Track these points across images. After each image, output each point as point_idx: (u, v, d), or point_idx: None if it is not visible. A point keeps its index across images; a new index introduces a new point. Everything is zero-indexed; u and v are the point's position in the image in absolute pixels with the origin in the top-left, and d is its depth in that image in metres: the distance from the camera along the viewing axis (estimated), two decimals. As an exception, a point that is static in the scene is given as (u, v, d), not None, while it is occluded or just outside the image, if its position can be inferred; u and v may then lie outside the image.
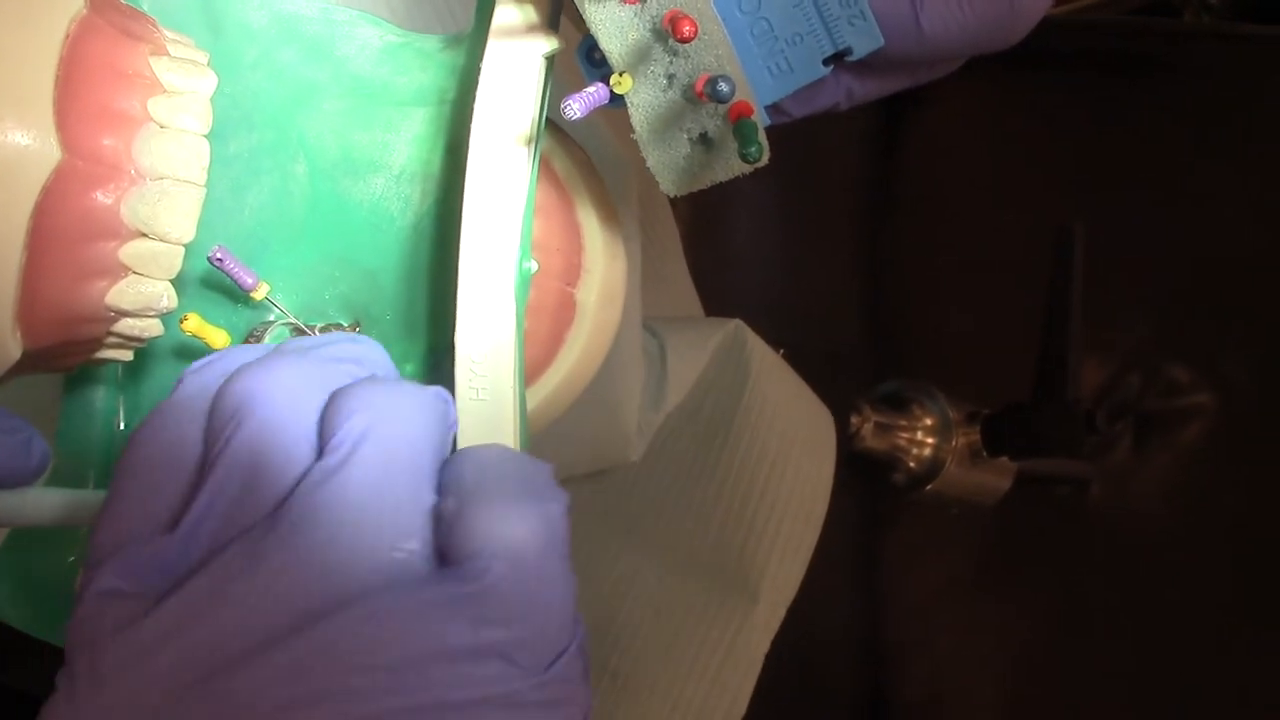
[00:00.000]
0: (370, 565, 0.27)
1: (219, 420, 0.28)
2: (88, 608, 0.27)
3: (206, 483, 0.28)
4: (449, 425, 0.30)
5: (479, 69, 0.35)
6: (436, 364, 0.37)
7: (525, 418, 0.35)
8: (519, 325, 0.33)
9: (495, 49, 0.35)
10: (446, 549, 0.28)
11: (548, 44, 0.35)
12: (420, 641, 0.26)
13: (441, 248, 0.37)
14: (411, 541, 0.28)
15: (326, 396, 0.29)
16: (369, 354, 0.32)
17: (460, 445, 0.33)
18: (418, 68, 0.39)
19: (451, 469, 0.29)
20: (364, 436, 0.28)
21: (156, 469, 0.29)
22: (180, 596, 0.27)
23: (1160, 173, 0.87)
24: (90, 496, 0.33)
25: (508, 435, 0.33)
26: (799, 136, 0.84)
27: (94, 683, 0.26)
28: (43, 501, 0.33)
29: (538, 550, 0.27)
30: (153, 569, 0.27)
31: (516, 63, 0.35)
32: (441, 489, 0.29)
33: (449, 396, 0.31)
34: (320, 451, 0.28)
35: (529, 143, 0.34)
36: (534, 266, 0.34)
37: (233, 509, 0.28)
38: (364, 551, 0.27)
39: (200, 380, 0.30)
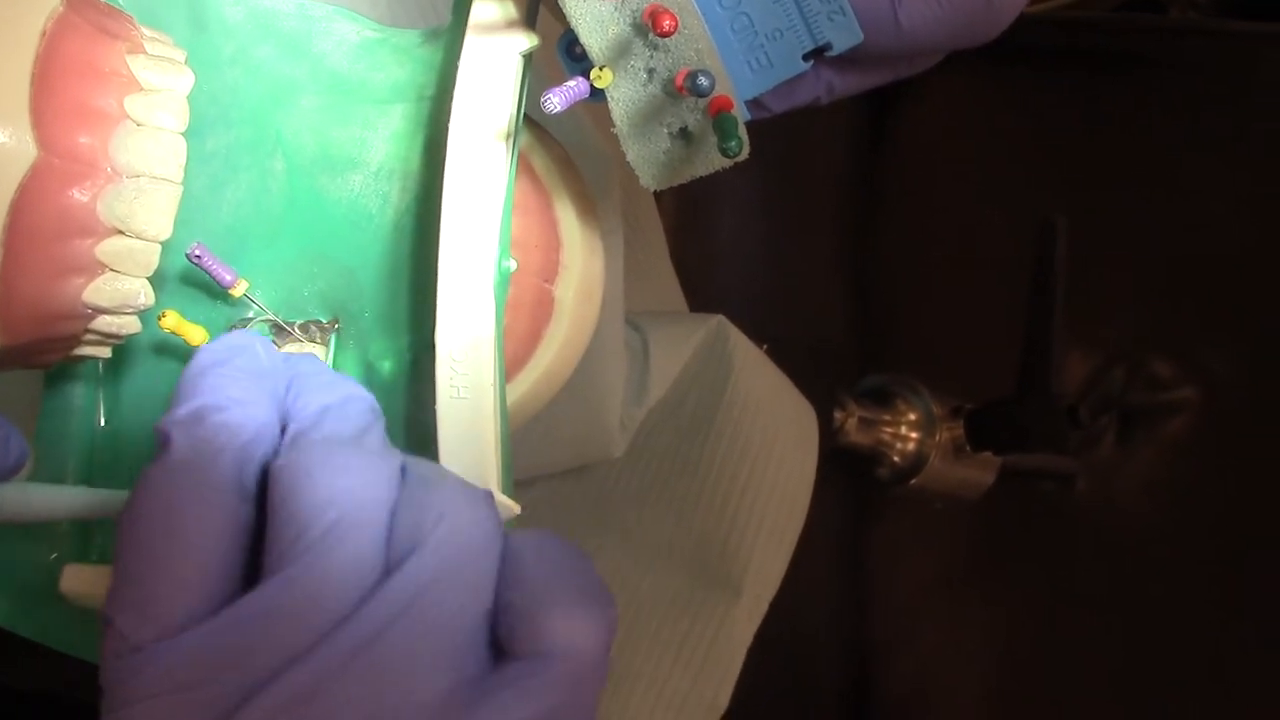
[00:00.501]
0: (439, 661, 0.28)
1: (292, 515, 0.28)
2: (136, 706, 0.27)
3: (278, 576, 0.27)
4: (502, 524, 0.31)
5: (457, 65, 0.35)
6: (415, 361, 0.37)
7: (506, 415, 0.35)
8: (499, 323, 0.34)
9: (473, 45, 0.35)
10: (510, 642, 0.28)
11: (526, 40, 0.35)
12: None
13: (421, 245, 0.37)
14: (476, 636, 0.28)
15: (395, 496, 0.29)
16: (371, 401, 0.33)
17: (440, 442, 0.34)
18: (395, 64, 0.39)
19: (514, 561, 0.30)
20: (447, 537, 0.28)
21: (186, 544, 0.28)
22: (263, 703, 0.26)
23: (1146, 168, 0.87)
24: (70, 492, 0.33)
25: (488, 433, 0.34)
26: (784, 131, 0.84)
27: None
28: (22, 498, 0.33)
29: (594, 653, 0.28)
30: (194, 660, 0.27)
31: (494, 59, 0.35)
32: (505, 581, 0.29)
33: (490, 491, 0.31)
34: (389, 559, 0.28)
35: (507, 139, 0.34)
36: (513, 265, 0.34)
37: (305, 609, 0.27)
38: (435, 651, 0.28)
39: (195, 439, 0.29)
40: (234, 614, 0.27)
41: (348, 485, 0.28)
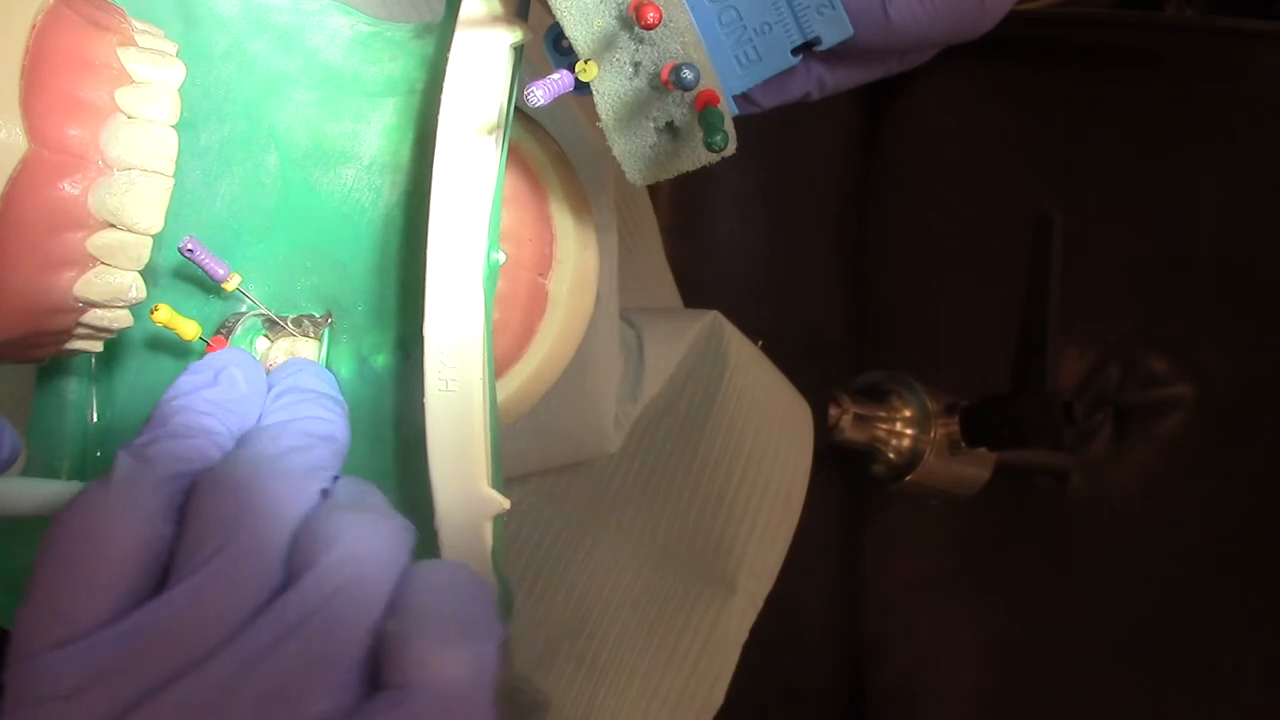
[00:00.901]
0: (321, 684, 0.27)
1: (195, 535, 0.28)
2: (27, 710, 0.27)
3: (173, 589, 0.28)
4: (409, 554, 0.30)
5: (447, 59, 0.35)
6: (407, 355, 0.37)
7: (495, 408, 0.35)
8: (488, 317, 0.33)
9: (463, 39, 0.35)
10: (383, 669, 0.28)
11: (516, 34, 0.35)
12: None
13: (411, 238, 0.37)
14: (357, 665, 0.28)
15: (301, 518, 0.29)
16: (337, 426, 0.34)
17: (429, 435, 0.34)
18: (388, 57, 0.39)
19: (403, 586, 0.29)
20: (328, 574, 0.28)
21: (99, 560, 0.28)
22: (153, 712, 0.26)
23: (1140, 164, 0.87)
24: (64, 487, 0.33)
25: (477, 425, 0.33)
26: (780, 128, 0.85)
27: None
28: (14, 492, 0.33)
29: (465, 688, 0.28)
30: (85, 668, 0.27)
31: (484, 53, 0.35)
32: (390, 606, 0.29)
33: (413, 528, 0.31)
34: (287, 577, 0.29)
35: (497, 133, 0.34)
36: (502, 258, 0.34)
37: (199, 620, 0.27)
38: (317, 674, 0.27)
39: (140, 462, 0.30)
40: (126, 625, 0.27)
41: (253, 504, 0.29)
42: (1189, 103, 0.86)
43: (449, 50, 0.34)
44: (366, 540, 0.29)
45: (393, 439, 0.38)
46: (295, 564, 0.29)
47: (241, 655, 0.27)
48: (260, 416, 0.33)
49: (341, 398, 0.36)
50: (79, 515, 0.28)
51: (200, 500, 0.29)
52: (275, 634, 0.27)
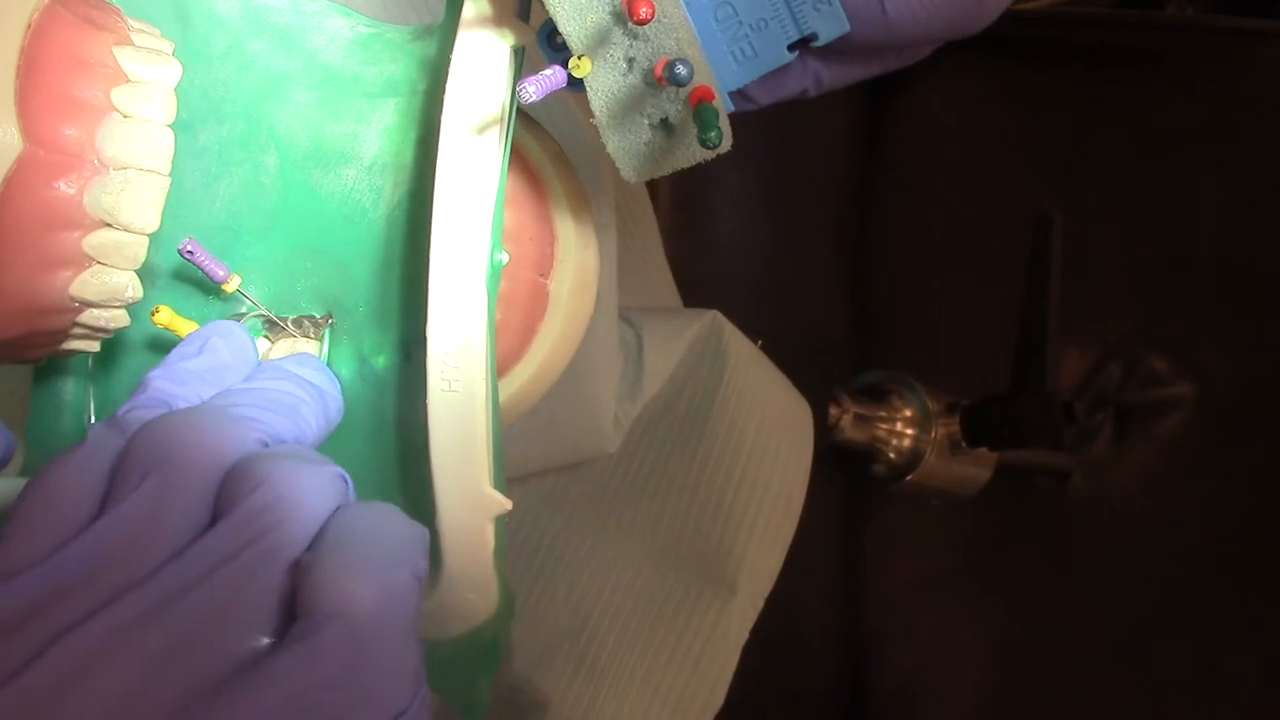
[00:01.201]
0: (246, 624, 0.28)
1: (126, 467, 0.29)
2: None
3: (94, 525, 0.28)
4: (339, 500, 0.30)
5: (449, 60, 0.34)
6: (408, 356, 0.37)
7: (497, 408, 0.35)
8: (491, 317, 0.33)
9: (465, 40, 0.34)
10: (296, 603, 0.28)
11: (517, 35, 0.35)
12: (257, 695, 0.26)
13: (413, 239, 0.37)
14: (279, 602, 0.28)
15: (233, 460, 0.30)
16: (306, 406, 0.34)
17: (431, 435, 0.33)
18: (388, 59, 0.39)
19: (327, 526, 0.29)
20: (258, 513, 0.28)
21: (50, 506, 0.29)
22: (42, 664, 0.26)
23: (1141, 164, 0.87)
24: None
25: (479, 425, 0.33)
26: (779, 127, 0.84)
27: None
28: (8, 490, 0.33)
29: (373, 614, 0.27)
30: (20, 600, 0.27)
31: (486, 54, 0.34)
32: (312, 543, 0.29)
33: (348, 477, 0.31)
34: (213, 518, 0.29)
35: (499, 134, 0.34)
36: (505, 258, 0.34)
37: (110, 557, 0.28)
38: (242, 613, 0.28)
39: (112, 428, 0.30)
40: (54, 561, 0.27)
41: (184, 439, 0.29)
42: (1190, 102, 0.86)
43: (450, 52, 0.34)
44: (294, 483, 0.29)
45: (394, 440, 0.37)
46: (222, 502, 0.29)
47: (158, 591, 0.27)
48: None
49: (333, 390, 0.36)
50: (43, 473, 0.29)
51: (136, 437, 0.29)
52: (195, 571, 0.27)
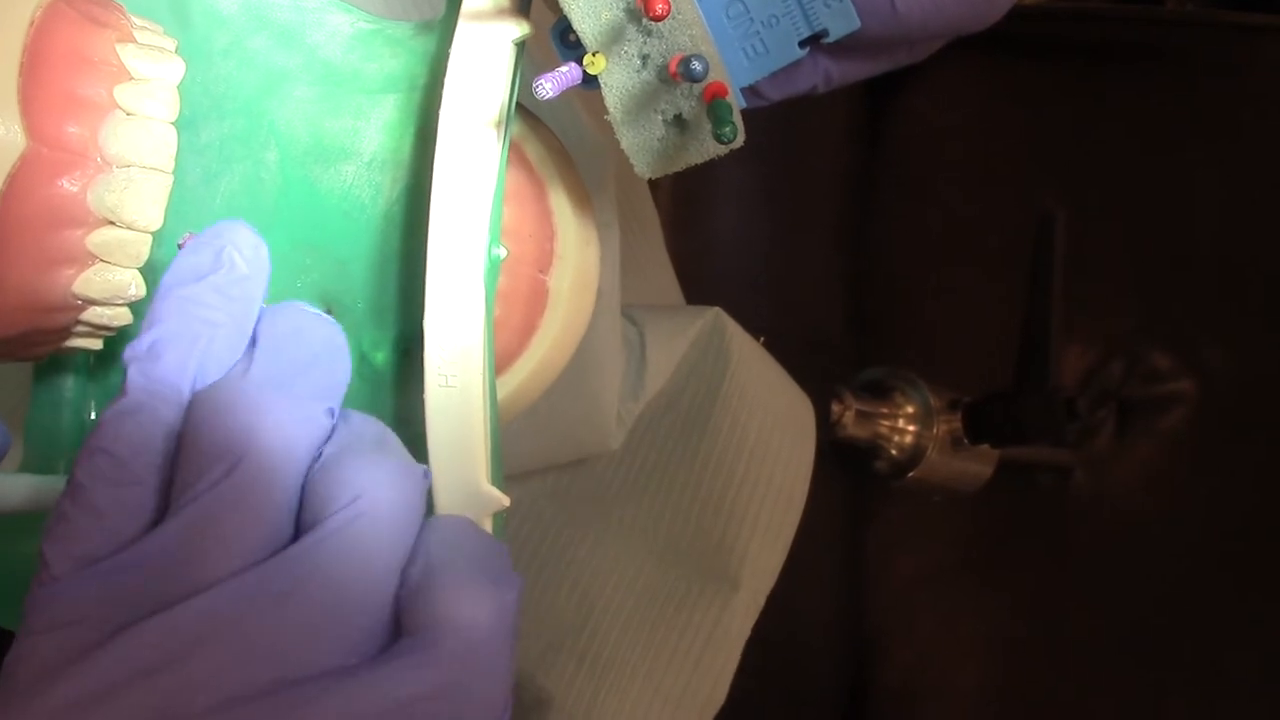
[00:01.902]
0: (339, 637, 0.27)
1: (201, 453, 0.28)
2: (35, 637, 0.27)
3: (178, 516, 0.27)
4: (426, 504, 0.30)
5: (448, 54, 0.34)
6: (406, 351, 0.37)
7: (495, 404, 0.35)
8: (488, 312, 0.33)
9: (465, 34, 0.34)
10: (405, 617, 0.28)
11: (518, 29, 0.35)
12: (369, 706, 0.27)
13: (412, 235, 0.37)
14: (380, 616, 0.28)
15: (316, 450, 0.29)
16: (335, 333, 0.32)
17: (429, 431, 0.33)
18: (389, 54, 0.39)
19: (422, 538, 0.29)
20: (356, 517, 0.28)
21: (117, 483, 0.28)
22: (142, 639, 0.26)
23: (1143, 160, 0.87)
24: (59, 483, 0.33)
25: (477, 421, 0.33)
26: (782, 124, 0.84)
27: None
28: (9, 487, 0.33)
29: (490, 632, 0.28)
30: (107, 596, 0.27)
31: (486, 48, 0.34)
32: (411, 558, 0.29)
33: (429, 471, 0.31)
34: (300, 517, 0.28)
35: (498, 128, 0.34)
36: (503, 252, 0.34)
37: (202, 553, 0.27)
38: (336, 627, 0.27)
39: (150, 378, 0.29)
40: (129, 555, 0.27)
41: (258, 427, 0.28)
42: (1192, 98, 0.86)
43: (450, 45, 0.34)
44: (387, 491, 0.28)
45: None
46: (310, 506, 0.28)
47: (243, 597, 0.27)
48: (263, 318, 0.31)
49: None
50: (96, 441, 0.28)
51: (199, 418, 0.28)
52: (284, 582, 0.27)
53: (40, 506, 0.33)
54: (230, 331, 0.30)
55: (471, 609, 0.28)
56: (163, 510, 0.28)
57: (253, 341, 0.30)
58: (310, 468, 0.29)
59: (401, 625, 0.28)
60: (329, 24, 0.39)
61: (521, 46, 0.36)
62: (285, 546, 0.28)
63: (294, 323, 0.31)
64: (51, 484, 0.33)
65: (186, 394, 0.29)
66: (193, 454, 0.28)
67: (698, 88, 0.35)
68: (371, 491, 0.28)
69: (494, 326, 0.39)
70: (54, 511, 0.28)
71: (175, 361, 0.29)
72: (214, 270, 0.30)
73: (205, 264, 0.30)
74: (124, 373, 0.29)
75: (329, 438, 0.30)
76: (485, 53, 0.34)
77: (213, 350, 0.29)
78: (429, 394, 0.33)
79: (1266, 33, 0.83)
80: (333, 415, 0.30)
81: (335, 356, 0.31)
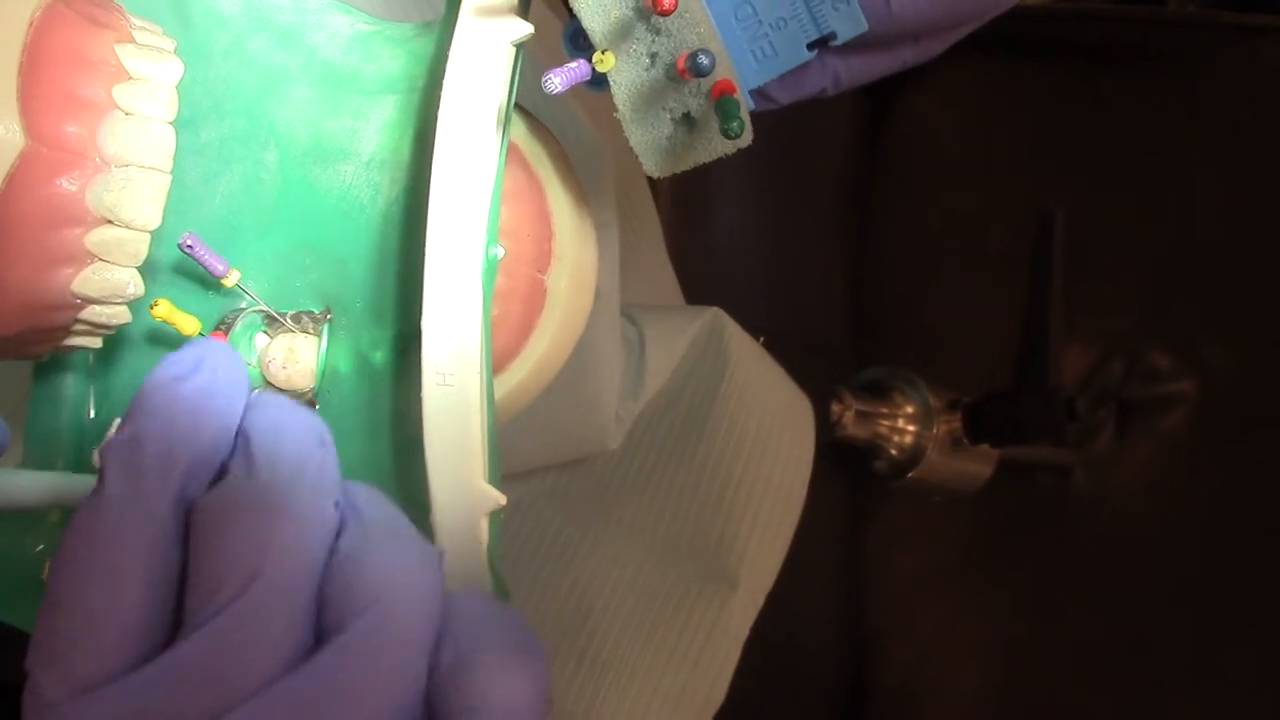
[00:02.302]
0: None
1: (217, 563, 0.27)
2: None
3: (204, 631, 0.26)
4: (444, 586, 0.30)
5: (447, 54, 0.35)
6: (405, 350, 0.37)
7: (493, 404, 0.35)
8: (486, 311, 0.33)
9: (464, 34, 0.35)
10: (442, 703, 0.28)
11: (518, 30, 0.35)
12: None
13: (410, 235, 0.37)
14: (413, 712, 0.28)
15: (331, 547, 0.28)
16: (329, 445, 0.31)
17: (426, 431, 0.34)
18: (388, 55, 0.39)
19: (445, 623, 0.29)
20: (380, 621, 0.27)
21: (102, 596, 0.27)
22: None
23: (1143, 160, 0.87)
24: (59, 479, 0.33)
25: (474, 420, 0.33)
26: (782, 125, 0.85)
27: None
28: (29, 484, 0.33)
29: (530, 703, 0.28)
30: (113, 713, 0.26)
31: (486, 48, 0.35)
32: (439, 641, 0.28)
33: (444, 552, 0.30)
34: (321, 617, 0.28)
35: (497, 128, 0.34)
36: (501, 252, 0.34)
37: (230, 668, 0.26)
38: None
39: (130, 471, 0.28)
40: (145, 676, 0.26)
41: (273, 532, 0.27)
42: (1192, 98, 0.86)
43: (450, 45, 0.34)
44: (406, 590, 0.28)
45: (390, 434, 0.38)
46: (331, 606, 0.27)
47: (271, 712, 0.26)
48: (248, 418, 0.30)
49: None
50: (80, 541, 0.27)
51: (211, 525, 0.27)
52: (311, 692, 0.26)
53: (59, 503, 0.33)
54: (215, 431, 0.29)
55: (509, 687, 0.28)
56: (159, 621, 0.27)
57: (246, 441, 0.29)
58: (327, 565, 0.28)
59: (438, 712, 0.28)
60: (329, 25, 0.39)
61: (521, 47, 0.36)
62: (309, 653, 0.27)
63: (277, 418, 0.30)
64: (69, 481, 0.34)
65: (173, 492, 0.28)
66: (207, 564, 0.27)
67: (706, 85, 0.35)
68: (391, 591, 0.27)
69: (492, 325, 0.39)
70: (39, 627, 0.27)
71: (158, 457, 0.28)
72: (195, 372, 0.30)
73: (188, 366, 0.30)
74: (100, 467, 0.28)
75: (340, 530, 0.29)
76: (485, 53, 0.34)
77: (198, 447, 0.29)
78: (426, 393, 0.33)
79: (1267, 33, 0.83)
80: (339, 507, 0.29)
81: (326, 444, 0.30)
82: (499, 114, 0.34)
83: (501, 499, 0.34)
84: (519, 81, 0.36)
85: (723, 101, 0.34)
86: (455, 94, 0.34)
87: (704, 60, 0.33)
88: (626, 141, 0.37)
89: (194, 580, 0.27)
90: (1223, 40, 0.86)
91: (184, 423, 0.29)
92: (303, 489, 0.28)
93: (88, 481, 0.34)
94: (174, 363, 0.30)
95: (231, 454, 0.30)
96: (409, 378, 0.37)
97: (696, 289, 0.76)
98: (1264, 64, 0.84)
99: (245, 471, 0.29)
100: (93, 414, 0.39)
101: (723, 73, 0.35)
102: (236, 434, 0.30)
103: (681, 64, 0.34)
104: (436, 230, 0.33)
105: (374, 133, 0.38)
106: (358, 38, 0.39)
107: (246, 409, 0.30)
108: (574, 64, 0.34)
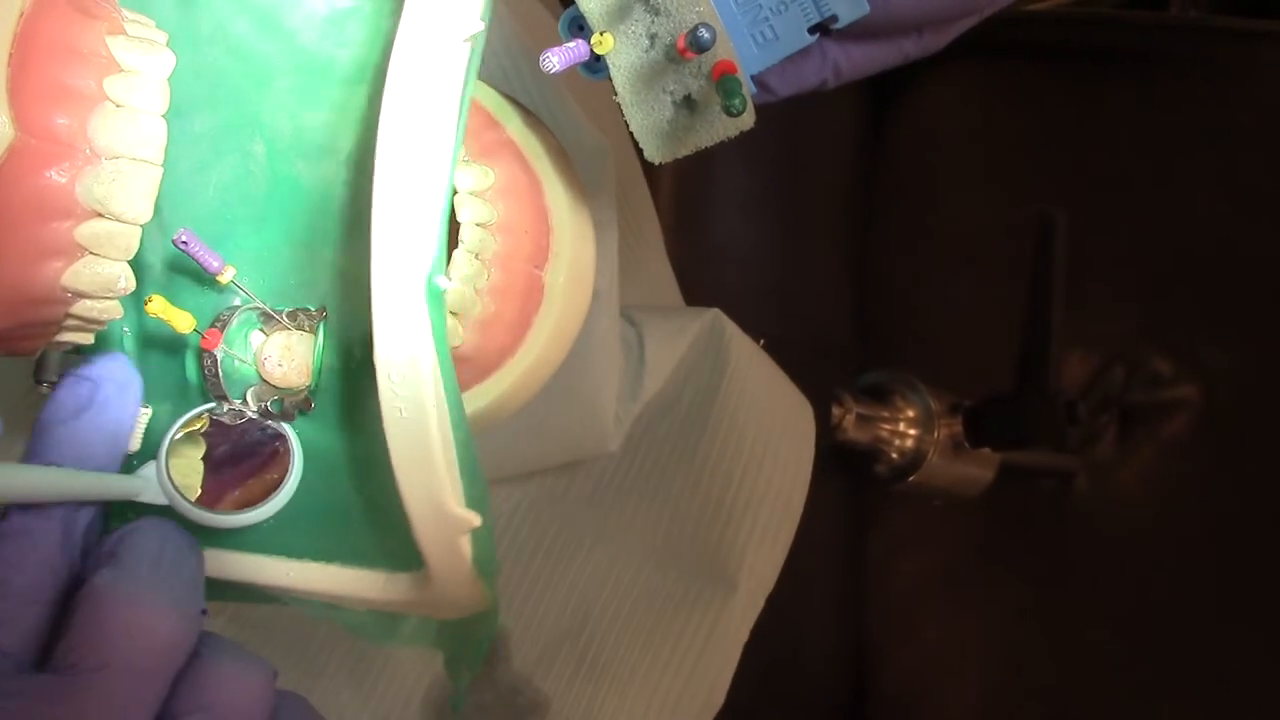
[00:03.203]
0: None
1: (77, 641, 0.30)
2: None
3: (63, 677, 0.29)
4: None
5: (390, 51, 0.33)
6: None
7: (463, 424, 0.34)
8: (439, 338, 0.32)
9: (409, 30, 0.33)
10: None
11: (472, 23, 0.33)
12: None
13: None
14: None
15: (183, 660, 0.32)
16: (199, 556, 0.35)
17: (393, 461, 0.34)
18: (361, 40, 0.37)
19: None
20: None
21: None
22: None
23: (1145, 164, 0.87)
24: (64, 475, 0.33)
25: (435, 450, 0.33)
26: (783, 126, 0.84)
27: None
28: (13, 478, 0.33)
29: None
30: None
31: (434, 50, 0.33)
32: None
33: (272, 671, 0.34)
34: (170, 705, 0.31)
35: (447, 146, 0.33)
36: (446, 284, 0.32)
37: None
38: None
39: (28, 518, 0.32)
40: (14, 683, 0.29)
41: (138, 640, 0.30)
42: (1194, 102, 0.86)
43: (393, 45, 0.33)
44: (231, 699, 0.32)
45: (380, 432, 0.37)
46: (174, 703, 0.31)
47: None
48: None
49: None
50: None
51: (87, 607, 0.31)
52: None
53: (63, 499, 0.33)
54: (105, 461, 0.34)
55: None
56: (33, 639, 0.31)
57: (129, 544, 0.33)
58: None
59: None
60: (306, 4, 0.37)
61: (476, 43, 0.34)
62: None
63: (159, 531, 0.34)
64: (73, 478, 0.33)
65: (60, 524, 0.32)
66: (75, 633, 0.30)
67: (706, 65, 0.35)
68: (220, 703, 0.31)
69: (489, 322, 0.39)
70: None
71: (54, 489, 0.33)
72: (88, 408, 0.34)
73: (82, 398, 0.34)
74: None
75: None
76: (433, 57, 0.33)
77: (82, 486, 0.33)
78: (386, 422, 0.33)
79: (1269, 38, 0.83)
80: (206, 614, 0.33)
81: (197, 555, 0.35)
82: (448, 127, 0.33)
83: (476, 520, 0.34)
84: (518, 76, 0.35)
85: (724, 80, 0.34)
86: (397, 109, 0.33)
87: (705, 34, 0.33)
88: (626, 144, 0.37)
89: (60, 638, 0.30)
90: (1225, 45, 0.86)
91: (73, 457, 0.34)
92: (169, 596, 0.32)
93: (92, 478, 0.34)
94: (69, 386, 0.35)
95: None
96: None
97: (696, 292, 0.76)
98: (1266, 68, 0.83)
99: (136, 565, 0.33)
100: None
101: (723, 52, 0.35)
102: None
103: (681, 43, 0.34)
104: (380, 257, 0.32)
105: (350, 127, 0.37)
106: (332, 19, 0.37)
107: (132, 530, 0.34)
108: (572, 44, 0.34)
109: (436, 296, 0.32)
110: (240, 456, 0.38)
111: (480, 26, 0.33)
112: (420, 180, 0.32)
